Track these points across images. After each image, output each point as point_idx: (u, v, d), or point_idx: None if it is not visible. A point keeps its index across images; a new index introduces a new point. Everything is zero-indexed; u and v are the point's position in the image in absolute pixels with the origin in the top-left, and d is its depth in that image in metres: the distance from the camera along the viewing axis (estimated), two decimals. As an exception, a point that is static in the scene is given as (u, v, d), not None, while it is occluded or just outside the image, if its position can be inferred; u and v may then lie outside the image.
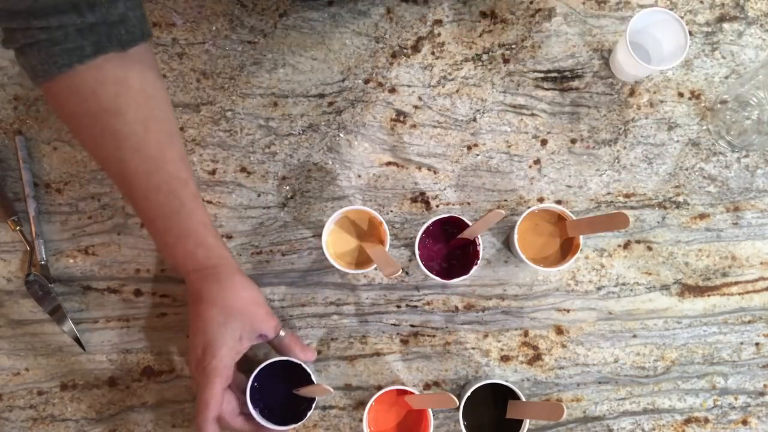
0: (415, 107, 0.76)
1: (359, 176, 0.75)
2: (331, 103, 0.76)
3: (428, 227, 0.69)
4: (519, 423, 0.67)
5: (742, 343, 0.75)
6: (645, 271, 0.75)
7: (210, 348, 0.60)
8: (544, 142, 0.76)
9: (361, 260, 0.71)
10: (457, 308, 0.75)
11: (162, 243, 0.62)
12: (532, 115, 0.76)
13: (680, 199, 0.76)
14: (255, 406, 0.68)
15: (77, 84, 0.54)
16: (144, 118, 0.57)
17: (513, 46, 0.77)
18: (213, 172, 0.75)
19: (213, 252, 0.62)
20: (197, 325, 0.62)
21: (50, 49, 0.52)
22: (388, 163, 0.76)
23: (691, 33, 0.77)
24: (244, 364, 0.67)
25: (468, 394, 0.67)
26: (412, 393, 0.68)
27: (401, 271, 0.71)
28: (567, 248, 0.71)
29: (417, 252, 0.68)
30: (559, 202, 0.76)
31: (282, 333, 0.67)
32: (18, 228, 0.73)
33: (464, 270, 0.69)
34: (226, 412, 0.63)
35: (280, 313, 0.74)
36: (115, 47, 0.54)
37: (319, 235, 0.71)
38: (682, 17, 0.77)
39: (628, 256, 0.75)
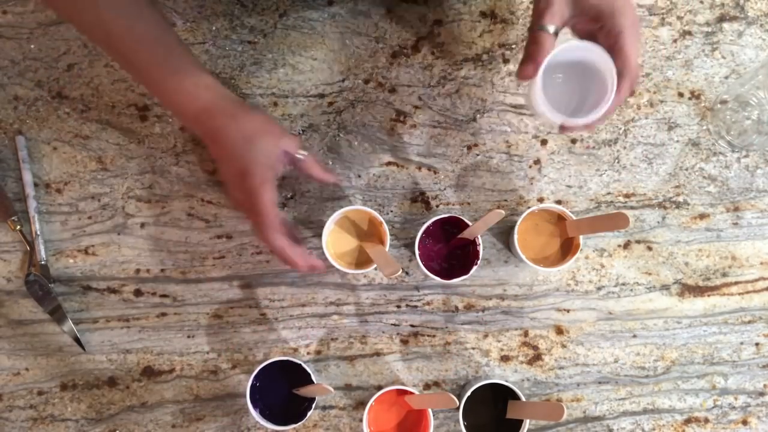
0: (415, 107, 0.76)
1: (359, 176, 0.75)
2: (331, 103, 0.76)
3: (428, 227, 0.69)
4: (519, 423, 0.67)
5: (742, 343, 0.75)
6: (645, 271, 0.75)
7: (246, 169, 0.59)
8: (544, 142, 0.76)
9: (362, 260, 0.71)
10: (457, 308, 0.75)
11: (162, 93, 0.61)
12: (532, 115, 0.76)
13: (680, 199, 0.76)
14: (255, 406, 0.68)
15: None
16: None
17: (513, 46, 0.77)
18: (213, 172, 0.75)
19: (214, 89, 0.61)
20: (223, 156, 0.61)
21: None
22: (388, 163, 0.76)
23: (690, 33, 0.77)
24: (248, 363, 0.67)
25: (468, 394, 0.67)
26: (412, 393, 0.68)
27: (401, 271, 0.71)
28: (567, 248, 0.71)
29: (417, 252, 0.68)
30: (559, 202, 0.76)
31: (303, 152, 0.64)
32: (18, 228, 0.73)
33: (464, 270, 0.69)
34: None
35: (280, 313, 0.74)
36: None
37: (319, 235, 0.71)
38: (681, 17, 0.77)
39: (628, 256, 0.75)
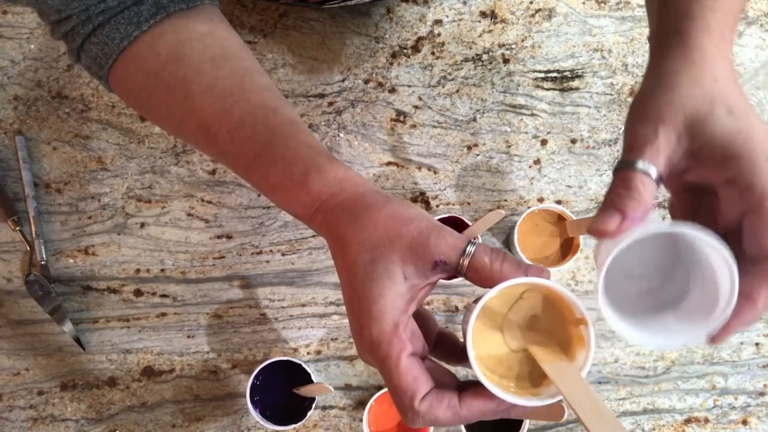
0: (415, 107, 0.76)
1: (359, 176, 0.75)
2: (331, 103, 0.76)
3: (428, 227, 0.69)
4: (519, 423, 0.67)
5: (742, 343, 0.75)
6: (645, 271, 0.75)
7: (365, 310, 0.38)
8: (544, 142, 0.76)
9: (525, 373, 0.39)
10: (457, 308, 0.75)
11: (270, 192, 0.45)
12: (532, 115, 0.76)
13: (680, 199, 0.76)
14: (255, 406, 0.68)
15: (135, 51, 0.46)
16: (212, 57, 0.46)
17: (513, 46, 0.77)
18: (213, 172, 0.75)
19: (329, 175, 0.43)
20: (344, 284, 0.40)
21: (109, 28, 0.45)
22: (388, 163, 0.76)
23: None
24: (250, 366, 0.67)
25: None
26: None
27: None
28: (567, 248, 0.71)
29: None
30: (559, 202, 0.76)
31: (470, 249, 0.38)
32: (18, 228, 0.73)
33: (464, 270, 0.68)
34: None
35: (280, 313, 0.74)
36: (177, 5, 0.46)
37: (319, 235, 0.70)
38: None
39: (628, 256, 0.75)
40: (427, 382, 0.36)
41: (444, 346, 0.42)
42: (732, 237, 0.36)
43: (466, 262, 0.38)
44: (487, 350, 0.38)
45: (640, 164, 0.36)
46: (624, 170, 0.37)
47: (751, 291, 0.35)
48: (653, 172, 0.36)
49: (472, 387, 0.37)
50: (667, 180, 0.38)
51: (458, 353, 0.42)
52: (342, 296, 0.41)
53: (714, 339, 0.37)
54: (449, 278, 0.40)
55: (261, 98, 0.46)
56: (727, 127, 0.35)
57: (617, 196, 0.38)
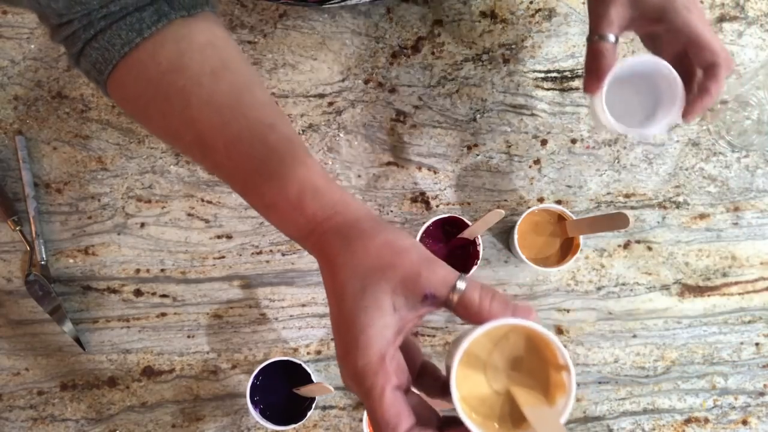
0: (415, 107, 0.76)
1: (359, 176, 0.75)
2: (331, 103, 0.76)
3: (428, 227, 0.69)
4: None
5: (742, 343, 0.75)
6: (645, 271, 0.75)
7: (352, 338, 0.37)
8: (544, 142, 0.76)
9: (506, 413, 0.39)
10: (457, 308, 0.75)
11: (265, 210, 0.45)
12: (532, 115, 0.76)
13: (680, 199, 0.76)
14: (255, 406, 0.68)
15: (136, 58, 0.46)
16: (212, 69, 0.46)
17: (513, 46, 0.77)
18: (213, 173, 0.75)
19: (325, 198, 0.43)
20: (332, 307, 0.40)
21: (110, 34, 0.45)
22: (388, 163, 0.76)
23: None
24: (250, 366, 0.67)
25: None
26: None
27: None
28: (567, 248, 0.71)
29: (417, 252, 0.68)
30: (559, 202, 0.76)
31: (460, 285, 0.38)
32: (18, 228, 0.73)
33: (464, 270, 0.69)
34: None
35: (280, 313, 0.74)
36: (178, 12, 0.46)
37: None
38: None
39: (628, 256, 0.75)
40: (410, 418, 0.36)
41: (426, 378, 0.42)
42: (681, 67, 0.56)
43: (456, 297, 0.38)
44: (469, 390, 0.38)
45: (602, 35, 0.55)
46: (592, 43, 0.56)
47: (705, 85, 0.54)
48: (611, 38, 0.55)
49: (453, 425, 0.37)
50: (624, 33, 0.56)
51: (440, 386, 0.41)
52: (330, 320, 0.41)
53: (686, 115, 0.56)
54: (435, 309, 0.39)
55: (259, 114, 0.46)
56: None
57: (592, 62, 0.56)
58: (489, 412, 0.38)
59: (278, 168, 0.44)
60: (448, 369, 0.37)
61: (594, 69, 0.56)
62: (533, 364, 0.39)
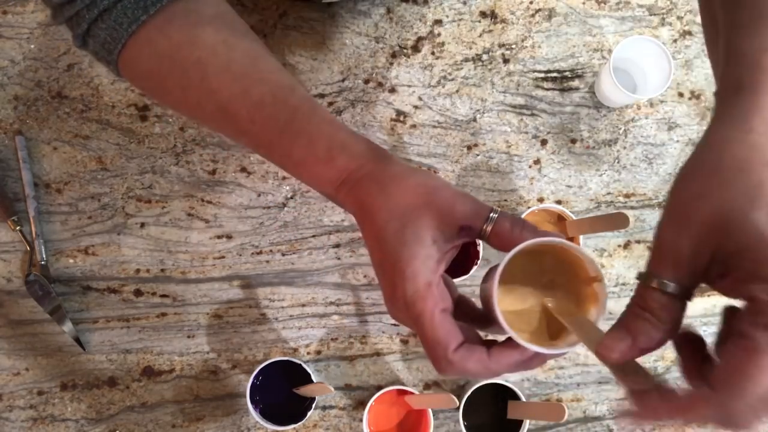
0: (415, 107, 0.76)
1: (359, 176, 0.75)
2: (331, 103, 0.76)
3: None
4: (519, 423, 0.67)
5: (742, 343, 0.75)
6: (645, 271, 0.75)
7: (398, 272, 0.40)
8: (544, 142, 0.76)
9: (543, 327, 0.42)
10: (457, 308, 0.75)
11: (294, 167, 0.47)
12: (532, 115, 0.76)
13: (680, 199, 0.76)
14: (255, 406, 0.68)
15: (146, 36, 0.46)
16: (224, 39, 0.47)
17: (513, 46, 0.77)
18: (213, 172, 0.75)
19: (353, 149, 0.45)
20: (373, 250, 0.42)
21: (116, 13, 0.45)
22: (388, 163, 0.76)
23: (691, 33, 0.77)
24: (249, 365, 0.67)
25: (468, 394, 0.67)
26: (412, 393, 0.68)
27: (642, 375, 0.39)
28: (567, 248, 0.71)
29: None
30: (559, 202, 0.76)
31: (493, 215, 0.40)
32: (18, 228, 0.73)
33: (464, 270, 0.69)
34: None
35: (280, 313, 0.74)
36: None
37: (319, 235, 0.70)
38: (681, 17, 0.77)
39: (628, 256, 0.75)
40: (459, 336, 0.39)
41: (462, 309, 0.44)
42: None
43: (489, 228, 0.40)
44: (507, 307, 0.41)
45: (656, 279, 0.34)
46: (641, 283, 0.35)
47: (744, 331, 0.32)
48: (671, 289, 0.33)
49: (497, 344, 0.40)
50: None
51: (475, 317, 0.44)
52: (372, 263, 0.43)
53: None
54: (471, 240, 0.42)
55: (277, 78, 0.47)
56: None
57: (630, 314, 0.35)
58: (526, 326, 0.41)
59: (305, 126, 0.45)
60: (490, 290, 0.39)
61: (626, 324, 0.35)
62: (565, 280, 0.41)
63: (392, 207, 0.41)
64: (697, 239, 0.32)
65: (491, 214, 0.40)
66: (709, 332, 0.75)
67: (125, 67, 0.49)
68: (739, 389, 0.29)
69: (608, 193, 0.76)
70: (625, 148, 0.76)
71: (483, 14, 0.77)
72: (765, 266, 0.29)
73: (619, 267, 0.75)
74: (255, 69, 0.47)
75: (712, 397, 0.30)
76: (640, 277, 0.35)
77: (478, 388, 0.67)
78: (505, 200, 0.75)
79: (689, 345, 0.36)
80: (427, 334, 0.39)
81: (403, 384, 0.74)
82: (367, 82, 0.76)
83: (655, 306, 0.34)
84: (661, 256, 0.34)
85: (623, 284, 0.75)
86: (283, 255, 0.75)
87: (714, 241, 0.31)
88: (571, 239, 0.70)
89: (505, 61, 0.76)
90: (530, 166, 0.76)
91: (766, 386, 0.28)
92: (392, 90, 0.76)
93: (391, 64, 0.76)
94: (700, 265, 0.32)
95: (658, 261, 0.34)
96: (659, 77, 0.71)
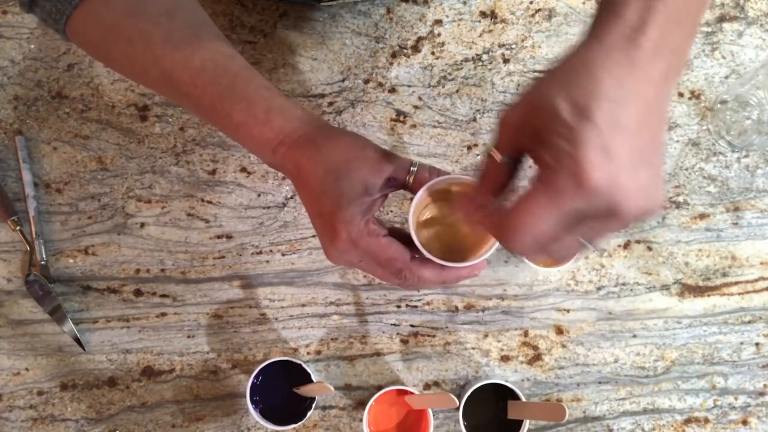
0: (415, 107, 0.76)
1: (359, 176, 0.75)
2: (331, 103, 0.76)
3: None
4: (519, 423, 0.67)
5: (742, 343, 0.75)
6: (645, 271, 0.75)
7: (339, 217, 0.46)
8: (544, 142, 0.76)
9: (455, 247, 0.52)
10: (457, 308, 0.75)
11: (233, 129, 0.50)
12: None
13: (680, 199, 0.76)
14: (255, 406, 0.68)
15: (90, 7, 0.49)
16: (167, 10, 0.50)
17: (513, 46, 0.77)
18: (213, 172, 0.75)
19: (289, 112, 0.49)
20: (311, 204, 0.48)
21: None
22: (388, 163, 0.76)
23: (691, 33, 0.77)
24: (249, 366, 0.67)
25: (468, 394, 0.67)
26: (412, 393, 0.68)
27: None
28: (567, 248, 0.71)
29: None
30: (559, 202, 0.76)
31: (413, 168, 0.49)
32: (18, 228, 0.73)
33: None
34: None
35: (280, 313, 0.74)
36: None
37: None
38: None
39: (628, 256, 0.75)
40: (408, 250, 0.47)
41: (394, 236, 0.50)
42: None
43: (411, 178, 0.49)
44: (425, 235, 0.51)
45: (491, 149, 0.44)
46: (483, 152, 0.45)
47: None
48: (497, 156, 0.44)
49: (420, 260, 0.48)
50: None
51: (405, 242, 0.49)
52: (310, 217, 0.49)
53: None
54: (397, 189, 0.50)
55: (217, 46, 0.50)
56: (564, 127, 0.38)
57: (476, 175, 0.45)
58: (440, 248, 0.50)
59: (245, 91, 0.49)
60: (409, 222, 0.48)
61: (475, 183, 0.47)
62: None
63: (328, 163, 0.47)
64: (521, 116, 0.40)
65: (411, 168, 0.49)
66: (709, 332, 0.76)
67: (73, 36, 0.52)
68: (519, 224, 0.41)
69: (608, 193, 0.76)
70: (625, 148, 0.76)
71: (483, 14, 0.77)
72: (551, 134, 0.38)
73: (619, 267, 0.75)
74: (196, 37, 0.50)
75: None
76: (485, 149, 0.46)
77: (478, 388, 0.67)
78: (505, 200, 0.75)
79: (503, 173, 0.46)
80: (382, 255, 0.46)
81: (403, 384, 0.74)
82: (367, 82, 0.76)
83: (490, 172, 0.45)
84: (496, 129, 0.43)
85: (623, 284, 0.75)
86: (283, 255, 0.75)
87: (531, 119, 0.40)
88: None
89: (505, 61, 0.76)
90: (530, 166, 0.76)
91: (536, 225, 0.40)
92: (392, 90, 0.76)
93: (391, 64, 0.76)
94: (522, 138, 0.42)
95: (495, 134, 0.44)
96: None
